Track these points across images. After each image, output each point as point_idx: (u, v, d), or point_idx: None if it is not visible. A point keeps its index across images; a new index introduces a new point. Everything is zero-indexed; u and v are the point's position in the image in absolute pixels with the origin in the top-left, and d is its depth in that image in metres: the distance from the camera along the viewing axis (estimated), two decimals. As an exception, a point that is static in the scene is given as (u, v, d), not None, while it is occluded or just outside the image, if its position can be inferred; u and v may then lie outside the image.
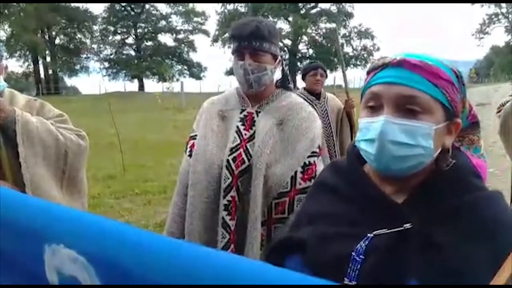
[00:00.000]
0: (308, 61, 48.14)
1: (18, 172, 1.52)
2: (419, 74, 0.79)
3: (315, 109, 3.47)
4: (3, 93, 1.64)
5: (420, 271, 0.74)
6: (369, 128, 0.82)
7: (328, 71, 3.86)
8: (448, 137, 0.84)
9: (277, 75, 1.73)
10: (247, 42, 1.56)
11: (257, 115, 1.63)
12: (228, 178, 1.55)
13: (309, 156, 1.57)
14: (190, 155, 1.67)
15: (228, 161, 1.56)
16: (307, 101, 3.51)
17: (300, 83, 3.82)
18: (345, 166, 0.95)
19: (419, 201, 0.81)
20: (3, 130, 1.53)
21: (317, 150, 1.61)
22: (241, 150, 1.57)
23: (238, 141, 1.59)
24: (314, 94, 3.57)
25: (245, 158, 1.56)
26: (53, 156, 1.60)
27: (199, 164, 1.59)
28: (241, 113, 1.65)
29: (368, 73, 0.87)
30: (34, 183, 1.52)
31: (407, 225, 0.78)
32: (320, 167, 1.60)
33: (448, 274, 0.74)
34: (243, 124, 1.62)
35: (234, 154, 1.57)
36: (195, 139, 1.69)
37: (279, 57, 1.65)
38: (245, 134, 1.60)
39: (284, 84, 1.72)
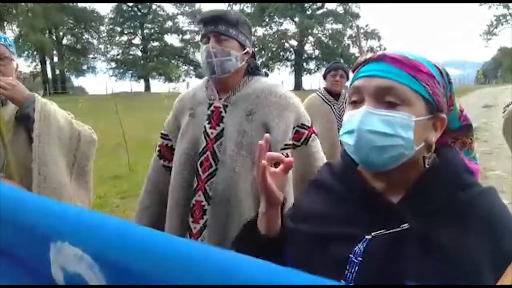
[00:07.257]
0: (314, 62, 48.21)
1: (26, 170, 1.53)
2: (398, 67, 0.80)
3: (333, 110, 3.51)
4: None
5: (419, 272, 0.73)
6: (351, 121, 0.82)
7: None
8: (432, 132, 0.83)
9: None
10: (213, 26, 1.55)
11: (225, 111, 1.58)
12: (195, 183, 1.55)
13: (282, 149, 1.51)
14: (159, 155, 1.72)
15: (196, 167, 1.56)
16: (325, 101, 3.56)
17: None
18: (340, 167, 0.93)
19: (414, 200, 0.81)
20: (19, 118, 1.57)
21: (290, 142, 1.55)
22: (208, 152, 1.55)
23: (205, 143, 1.56)
24: (333, 95, 3.61)
25: (212, 162, 1.54)
26: (67, 137, 1.64)
27: (175, 167, 1.61)
28: (208, 108, 1.60)
29: (353, 71, 0.88)
30: (42, 160, 1.54)
31: (405, 226, 0.77)
32: (315, 142, 1.61)
33: (449, 273, 0.73)
34: (209, 123, 1.57)
35: (201, 159, 1.55)
36: (164, 139, 1.72)
37: (248, 49, 1.60)
38: (212, 133, 1.56)
39: (253, 71, 1.66)
